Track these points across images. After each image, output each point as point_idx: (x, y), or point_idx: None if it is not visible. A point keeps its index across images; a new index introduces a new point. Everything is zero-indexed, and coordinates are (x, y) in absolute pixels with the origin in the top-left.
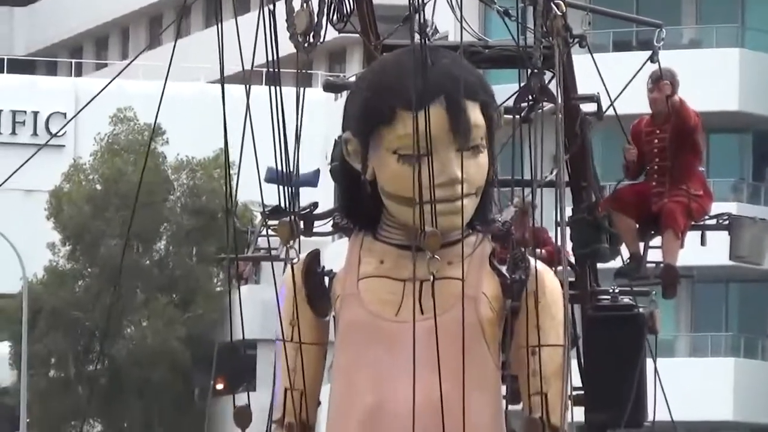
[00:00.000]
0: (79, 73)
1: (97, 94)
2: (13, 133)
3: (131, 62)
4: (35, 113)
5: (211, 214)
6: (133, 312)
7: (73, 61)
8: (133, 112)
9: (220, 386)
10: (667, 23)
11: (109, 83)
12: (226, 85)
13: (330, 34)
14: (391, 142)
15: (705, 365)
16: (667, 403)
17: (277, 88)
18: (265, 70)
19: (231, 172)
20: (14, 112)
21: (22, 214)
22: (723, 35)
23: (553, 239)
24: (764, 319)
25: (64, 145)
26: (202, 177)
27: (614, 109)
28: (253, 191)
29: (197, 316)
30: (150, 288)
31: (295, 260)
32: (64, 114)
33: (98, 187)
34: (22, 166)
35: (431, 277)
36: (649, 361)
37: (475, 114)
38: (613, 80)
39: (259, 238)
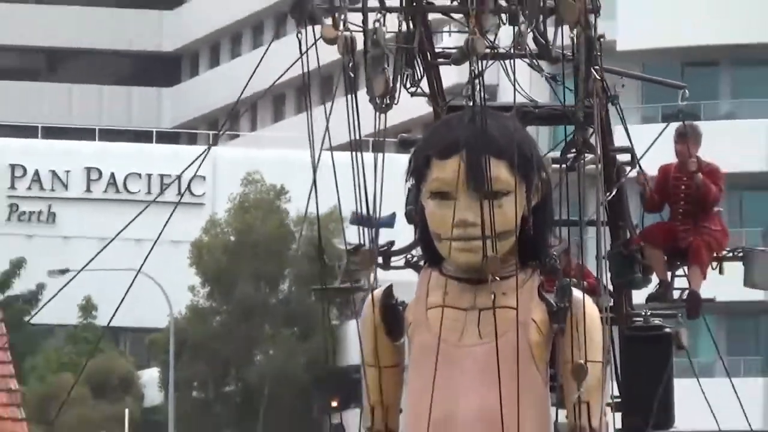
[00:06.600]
0: (215, 143)
1: (199, 156)
2: (161, 194)
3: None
4: (179, 177)
5: (327, 259)
6: (262, 343)
7: (211, 132)
8: (260, 175)
9: (334, 404)
10: (707, 98)
11: (209, 148)
12: (343, 152)
13: (425, 108)
14: (428, 184)
15: (738, 384)
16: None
17: (359, 153)
18: (372, 139)
19: (343, 224)
20: (162, 176)
21: (169, 262)
22: (754, 107)
23: (593, 272)
24: None
25: (203, 204)
26: (322, 231)
27: (640, 167)
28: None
29: (315, 346)
30: (276, 323)
31: (375, 288)
32: (204, 177)
33: (232, 238)
34: (167, 221)
35: (490, 304)
36: (692, 380)
37: (498, 169)
38: (661, 144)
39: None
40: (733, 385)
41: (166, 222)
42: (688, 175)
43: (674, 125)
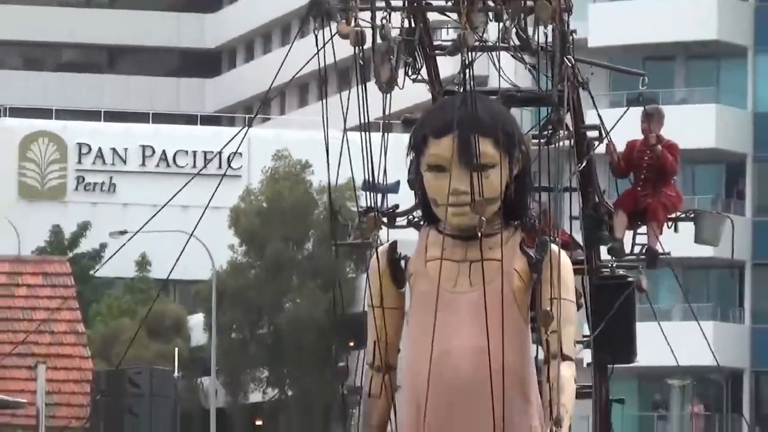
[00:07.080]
0: (250, 125)
1: (237, 134)
2: (204, 167)
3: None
4: (220, 153)
5: (344, 221)
6: (290, 293)
7: (246, 116)
8: (288, 152)
9: (351, 344)
10: (664, 86)
11: (245, 130)
12: (356, 132)
13: (427, 95)
14: (426, 159)
15: (693, 326)
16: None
17: (367, 133)
18: (381, 121)
19: (355, 192)
20: (205, 153)
21: (212, 225)
22: (704, 95)
23: (568, 230)
24: (734, 294)
25: (240, 176)
26: (339, 197)
27: (610, 140)
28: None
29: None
30: (301, 276)
31: (379, 246)
32: (240, 153)
33: (264, 205)
34: (215, 191)
35: (479, 257)
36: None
37: (484, 145)
38: (625, 125)
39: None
40: (701, 327)
41: (213, 193)
42: (651, 148)
43: (636, 109)
